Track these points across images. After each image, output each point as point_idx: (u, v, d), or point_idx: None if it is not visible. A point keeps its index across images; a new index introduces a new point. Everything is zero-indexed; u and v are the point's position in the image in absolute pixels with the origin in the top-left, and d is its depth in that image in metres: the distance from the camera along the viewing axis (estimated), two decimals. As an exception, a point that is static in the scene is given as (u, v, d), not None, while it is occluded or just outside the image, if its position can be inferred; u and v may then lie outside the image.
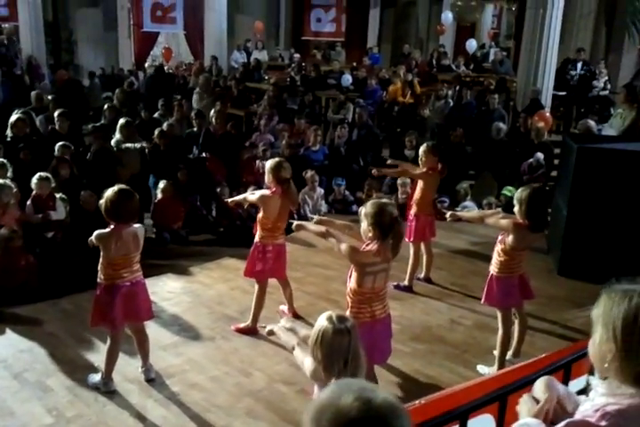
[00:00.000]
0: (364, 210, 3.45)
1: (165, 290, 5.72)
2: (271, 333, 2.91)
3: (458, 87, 11.51)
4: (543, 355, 4.29)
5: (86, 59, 18.44)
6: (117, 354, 4.11)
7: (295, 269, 6.30)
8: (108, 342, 4.07)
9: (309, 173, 8.07)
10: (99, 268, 4.01)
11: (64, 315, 5.18)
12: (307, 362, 2.54)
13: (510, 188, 8.29)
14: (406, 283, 5.92)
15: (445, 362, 4.56)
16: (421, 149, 5.68)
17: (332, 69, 14.01)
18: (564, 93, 12.03)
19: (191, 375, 4.31)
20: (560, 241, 6.25)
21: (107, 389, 4.07)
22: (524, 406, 1.80)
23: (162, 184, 7.77)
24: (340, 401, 1.24)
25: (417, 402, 2.19)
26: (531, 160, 8.58)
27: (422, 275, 6.10)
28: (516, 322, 4.51)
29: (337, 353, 2.46)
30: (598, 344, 1.49)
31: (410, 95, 12.35)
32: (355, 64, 15.08)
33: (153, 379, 4.22)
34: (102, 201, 3.90)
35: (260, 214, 4.79)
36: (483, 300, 4.52)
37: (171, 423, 3.77)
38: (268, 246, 4.80)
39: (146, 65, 17.96)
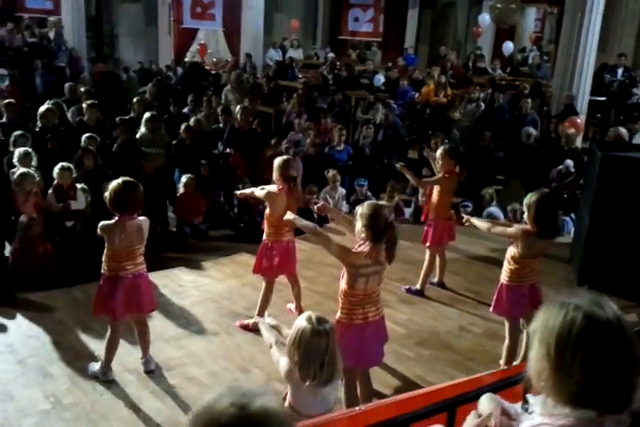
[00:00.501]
0: (360, 210, 3.39)
1: (176, 283, 5.75)
2: (255, 326, 2.88)
3: (490, 90, 11.31)
4: (504, 367, 4.22)
5: (127, 53, 18.74)
6: (117, 344, 4.14)
7: (308, 267, 6.29)
8: (109, 331, 4.10)
9: (331, 173, 8.02)
10: (103, 259, 4.05)
11: (74, 303, 5.24)
12: (282, 362, 2.51)
13: (536, 194, 8.10)
14: (418, 287, 5.84)
15: (448, 369, 4.47)
16: (438, 152, 5.58)
17: (365, 69, 13.94)
18: (602, 99, 11.72)
19: (190, 369, 4.32)
20: (581, 251, 6.07)
21: (105, 378, 4.10)
22: (468, 421, 1.74)
23: (184, 178, 7.82)
24: (216, 406, 1.20)
25: (357, 408, 2.12)
26: (560, 167, 8.38)
27: (436, 279, 6.01)
28: (525, 332, 4.39)
29: (314, 355, 2.44)
30: (534, 361, 1.41)
31: (442, 97, 12.24)
32: (390, 64, 14.98)
33: (152, 370, 4.25)
34: (107, 193, 3.92)
35: (267, 211, 4.78)
36: (491, 308, 4.43)
37: (163, 416, 3.78)
38: (274, 243, 4.78)
39: (185, 60, 18.17)
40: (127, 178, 3.98)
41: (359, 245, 3.39)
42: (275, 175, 4.73)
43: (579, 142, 9.16)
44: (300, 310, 5.13)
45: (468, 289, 5.97)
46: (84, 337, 4.70)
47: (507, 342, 4.31)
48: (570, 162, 8.19)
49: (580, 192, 8.15)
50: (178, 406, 3.89)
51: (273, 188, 4.75)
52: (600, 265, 5.83)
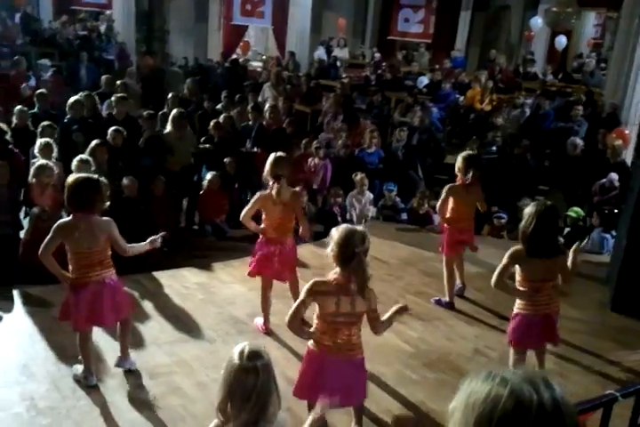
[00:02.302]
0: (333, 232, 3.10)
1: (181, 284, 5.56)
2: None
3: (537, 96, 10.79)
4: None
5: (176, 48, 18.83)
6: (89, 350, 3.93)
7: (319, 274, 5.98)
8: (77, 337, 3.90)
9: (359, 176, 7.73)
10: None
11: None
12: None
13: (576, 209, 7.62)
14: (447, 299, 5.49)
15: (454, 396, 4.10)
16: (458, 160, 5.21)
17: (410, 71, 13.57)
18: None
19: (177, 378, 4.10)
20: (616, 273, 5.61)
21: (87, 383, 3.92)
22: None
23: (208, 176, 7.66)
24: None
25: None
26: (604, 180, 7.86)
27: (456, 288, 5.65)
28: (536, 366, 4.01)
29: (240, 392, 2.12)
30: None
31: (488, 102, 11.79)
32: (437, 66, 14.56)
33: (131, 370, 4.06)
34: (65, 188, 3.73)
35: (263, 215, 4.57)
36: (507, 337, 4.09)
37: (138, 428, 3.56)
38: (269, 247, 4.56)
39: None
40: (89, 175, 3.79)
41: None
42: (266, 172, 4.51)
43: (627, 155, 8.58)
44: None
45: (490, 309, 5.56)
46: (74, 336, 4.51)
47: None
48: (614, 175, 7.67)
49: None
50: (155, 418, 3.67)
51: (262, 192, 4.54)
52: (637, 288, 5.37)
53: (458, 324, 5.23)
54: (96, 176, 3.85)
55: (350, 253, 3.00)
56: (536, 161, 8.63)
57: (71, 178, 3.73)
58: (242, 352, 2.15)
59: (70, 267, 3.78)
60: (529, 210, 3.63)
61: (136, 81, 12.86)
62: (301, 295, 3.17)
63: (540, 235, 3.59)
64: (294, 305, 3.21)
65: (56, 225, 3.72)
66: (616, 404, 2.27)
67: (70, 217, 3.75)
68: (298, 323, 3.22)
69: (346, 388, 3.18)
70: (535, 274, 3.73)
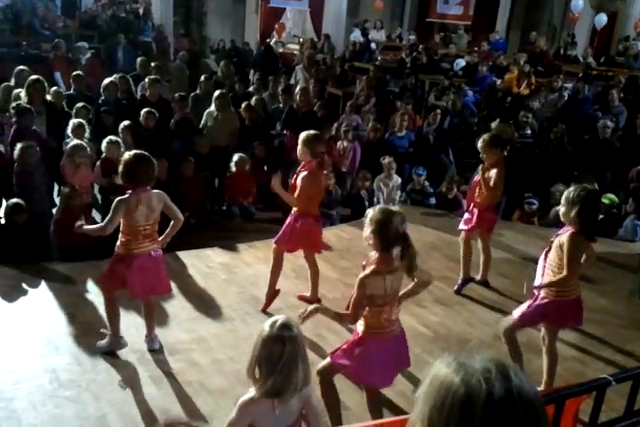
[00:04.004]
0: (371, 214, 3.06)
1: (205, 264, 5.62)
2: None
3: (577, 80, 10.49)
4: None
5: (214, 30, 18.86)
6: (116, 313, 4.08)
7: (344, 258, 6.03)
8: (104, 302, 4.07)
9: (387, 160, 7.66)
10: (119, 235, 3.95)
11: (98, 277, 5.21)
12: None
13: (610, 195, 7.41)
14: (479, 277, 5.50)
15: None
16: (479, 144, 5.10)
17: (447, 53, 13.34)
18: None
19: (195, 355, 4.17)
20: (647, 261, 5.47)
21: (118, 347, 4.08)
22: None
23: (235, 157, 7.69)
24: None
25: None
26: (641, 167, 7.63)
27: (479, 277, 5.58)
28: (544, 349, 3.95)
29: (266, 360, 2.24)
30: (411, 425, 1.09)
31: (525, 86, 11.52)
32: (475, 49, 14.29)
33: (155, 349, 4.15)
34: (120, 165, 3.84)
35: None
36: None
37: (155, 403, 3.64)
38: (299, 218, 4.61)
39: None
40: (140, 151, 3.90)
41: (366, 264, 3.08)
42: (301, 151, 4.51)
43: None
44: (314, 298, 4.87)
45: (515, 294, 5.48)
46: (100, 312, 4.63)
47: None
48: (653, 161, 7.44)
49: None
50: (172, 393, 3.76)
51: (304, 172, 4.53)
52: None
53: (480, 309, 5.18)
54: (146, 153, 3.94)
55: (394, 234, 2.96)
56: (573, 146, 8.40)
57: (126, 155, 3.85)
58: (274, 322, 2.29)
59: (121, 239, 3.90)
60: (575, 194, 3.52)
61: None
62: (356, 296, 3.04)
63: (591, 218, 3.57)
64: (353, 306, 3.08)
65: (117, 201, 3.83)
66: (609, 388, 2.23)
67: (128, 193, 3.84)
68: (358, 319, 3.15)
69: (397, 363, 3.28)
70: (581, 255, 3.66)
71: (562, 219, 3.64)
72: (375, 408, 3.37)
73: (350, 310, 3.09)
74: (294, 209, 4.65)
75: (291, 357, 2.24)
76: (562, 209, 3.60)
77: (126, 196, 3.85)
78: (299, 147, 4.53)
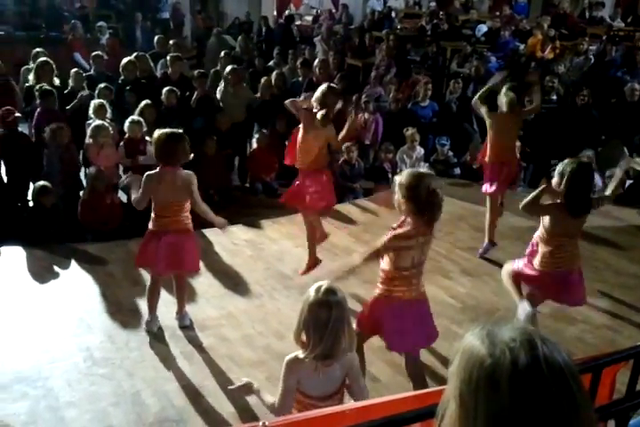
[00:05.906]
0: (400, 179, 3.03)
1: (231, 241, 5.66)
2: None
3: (603, 42, 10.17)
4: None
5: (231, 6, 18.66)
6: (156, 295, 4.16)
7: (368, 231, 6.01)
8: (149, 281, 4.16)
9: (410, 131, 7.55)
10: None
11: (128, 256, 5.25)
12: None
13: (640, 159, 7.23)
14: (486, 240, 5.48)
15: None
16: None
17: (468, 19, 13.03)
18: None
19: (225, 331, 4.23)
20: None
21: (148, 328, 4.17)
22: None
23: (257, 134, 7.66)
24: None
25: (260, 423, 1.87)
26: (671, 129, 7.42)
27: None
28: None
29: (313, 325, 2.29)
30: (444, 402, 1.07)
31: (550, 50, 11.20)
32: (497, 13, 13.90)
33: (187, 326, 4.21)
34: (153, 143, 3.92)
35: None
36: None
37: (186, 378, 3.71)
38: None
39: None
40: (174, 129, 3.92)
41: (400, 224, 3.07)
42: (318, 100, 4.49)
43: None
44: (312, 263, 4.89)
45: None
46: (131, 291, 4.72)
47: None
48: (684, 124, 7.22)
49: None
50: (204, 368, 3.82)
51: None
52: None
53: (508, 279, 5.13)
54: (180, 130, 3.98)
55: (426, 195, 2.94)
56: (599, 111, 8.19)
57: (157, 133, 3.88)
58: (318, 288, 2.32)
59: (152, 215, 3.98)
60: (562, 168, 3.52)
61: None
62: (380, 246, 3.05)
63: (576, 194, 3.53)
64: (370, 251, 3.12)
65: (145, 176, 3.89)
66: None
67: (157, 169, 3.89)
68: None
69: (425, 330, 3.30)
70: (562, 229, 3.63)
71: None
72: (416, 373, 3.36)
73: (369, 252, 3.11)
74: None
75: (338, 321, 2.28)
76: (554, 180, 3.59)
77: (153, 172, 3.90)
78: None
